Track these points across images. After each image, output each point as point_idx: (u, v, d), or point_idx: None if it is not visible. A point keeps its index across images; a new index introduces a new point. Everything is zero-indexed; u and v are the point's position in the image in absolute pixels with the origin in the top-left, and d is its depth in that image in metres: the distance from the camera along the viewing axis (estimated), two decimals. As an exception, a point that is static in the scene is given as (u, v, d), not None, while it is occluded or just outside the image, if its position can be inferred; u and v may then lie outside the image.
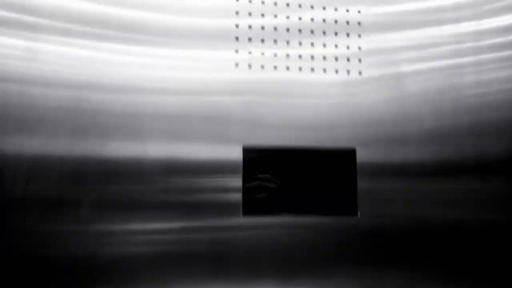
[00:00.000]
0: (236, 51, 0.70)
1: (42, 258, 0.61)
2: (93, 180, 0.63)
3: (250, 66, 0.70)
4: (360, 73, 0.73)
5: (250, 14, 0.71)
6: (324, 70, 0.72)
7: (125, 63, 0.66)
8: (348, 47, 0.73)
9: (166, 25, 0.68)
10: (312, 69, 0.72)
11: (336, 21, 0.73)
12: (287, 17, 0.72)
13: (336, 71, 0.73)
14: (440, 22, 0.76)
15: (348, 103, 0.72)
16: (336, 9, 0.74)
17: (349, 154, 0.71)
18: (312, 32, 0.73)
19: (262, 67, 0.71)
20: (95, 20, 0.66)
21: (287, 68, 0.71)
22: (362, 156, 0.71)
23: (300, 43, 0.72)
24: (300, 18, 0.72)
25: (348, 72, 0.73)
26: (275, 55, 0.71)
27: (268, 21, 0.71)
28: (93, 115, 0.64)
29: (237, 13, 0.71)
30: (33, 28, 0.64)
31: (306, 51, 0.72)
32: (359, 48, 0.74)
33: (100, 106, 0.64)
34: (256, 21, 0.71)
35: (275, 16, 0.71)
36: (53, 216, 0.61)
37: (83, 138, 0.63)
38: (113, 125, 0.64)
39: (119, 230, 0.63)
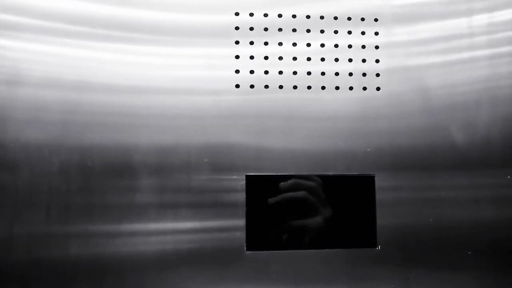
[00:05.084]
0: (237, 71, 0.64)
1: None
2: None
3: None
4: (378, 89, 0.66)
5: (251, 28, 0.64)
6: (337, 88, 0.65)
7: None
8: (364, 61, 0.66)
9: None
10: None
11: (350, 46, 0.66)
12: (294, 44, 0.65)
13: (351, 88, 0.65)
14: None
15: (366, 125, 0.64)
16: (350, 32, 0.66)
17: (367, 181, 0.64)
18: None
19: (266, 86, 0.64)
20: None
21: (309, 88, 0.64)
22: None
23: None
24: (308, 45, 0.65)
25: (365, 88, 0.65)
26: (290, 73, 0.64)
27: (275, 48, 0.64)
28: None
29: (237, 28, 0.64)
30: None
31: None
32: (377, 61, 0.66)
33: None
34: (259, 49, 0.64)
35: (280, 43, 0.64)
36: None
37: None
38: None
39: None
